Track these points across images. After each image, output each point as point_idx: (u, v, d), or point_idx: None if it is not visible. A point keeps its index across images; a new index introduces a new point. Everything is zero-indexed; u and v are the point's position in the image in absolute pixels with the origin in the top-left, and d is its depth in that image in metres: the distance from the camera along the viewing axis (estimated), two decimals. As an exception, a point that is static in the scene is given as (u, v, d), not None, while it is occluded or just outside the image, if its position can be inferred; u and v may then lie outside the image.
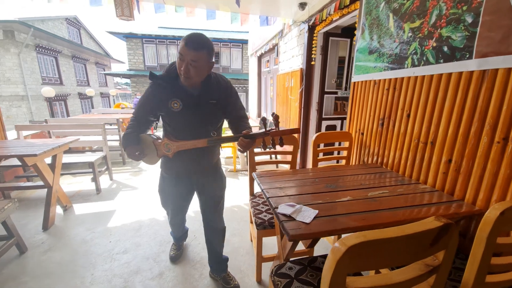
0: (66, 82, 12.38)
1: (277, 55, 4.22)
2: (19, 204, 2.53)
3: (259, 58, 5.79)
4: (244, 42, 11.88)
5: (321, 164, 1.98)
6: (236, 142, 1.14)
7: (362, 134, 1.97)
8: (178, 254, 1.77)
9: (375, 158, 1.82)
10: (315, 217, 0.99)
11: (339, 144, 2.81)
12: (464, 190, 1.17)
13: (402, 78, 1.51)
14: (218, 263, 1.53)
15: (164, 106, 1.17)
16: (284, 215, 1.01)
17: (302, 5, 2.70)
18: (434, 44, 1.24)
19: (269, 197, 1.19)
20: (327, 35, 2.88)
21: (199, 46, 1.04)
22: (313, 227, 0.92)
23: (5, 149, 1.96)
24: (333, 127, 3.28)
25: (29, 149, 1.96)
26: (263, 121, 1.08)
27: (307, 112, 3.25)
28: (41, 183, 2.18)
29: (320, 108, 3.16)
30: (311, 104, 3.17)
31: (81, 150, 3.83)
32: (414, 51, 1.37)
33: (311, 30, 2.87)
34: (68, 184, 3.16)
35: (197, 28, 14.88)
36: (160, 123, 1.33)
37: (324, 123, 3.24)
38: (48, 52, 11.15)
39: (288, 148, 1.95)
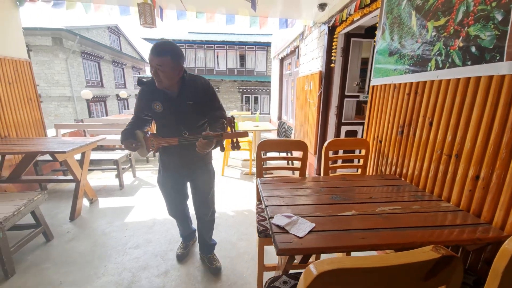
0: (106, 85, 13.59)
1: (298, 58, 4.13)
2: (54, 195, 2.83)
3: (281, 61, 5.74)
4: (269, 44, 11.91)
5: (339, 172, 1.88)
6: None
7: (380, 142, 1.82)
8: (185, 254, 1.81)
9: (393, 169, 1.67)
10: (310, 231, 0.93)
11: (360, 152, 2.64)
12: (492, 212, 1.01)
13: (425, 82, 1.36)
14: (205, 246, 1.73)
15: (149, 108, 1.35)
16: (277, 226, 0.97)
17: (322, 6, 2.60)
18: (461, 44, 1.09)
19: (266, 206, 1.15)
20: (348, 36, 2.74)
21: (162, 52, 1.16)
22: (305, 242, 0.87)
23: (41, 146, 2.20)
24: (353, 133, 3.10)
25: (61, 146, 2.17)
26: (229, 122, 1.18)
27: (325, 116, 3.12)
28: (70, 177, 2.39)
29: (340, 112, 3.01)
30: (330, 108, 3.04)
31: (111, 148, 4.15)
32: (438, 52, 1.23)
33: (331, 31, 2.75)
34: (98, 178, 3.44)
35: (224, 32, 15.28)
36: None
37: (344, 128, 3.08)
38: (92, 57, 12.36)
39: (298, 154, 1.88)
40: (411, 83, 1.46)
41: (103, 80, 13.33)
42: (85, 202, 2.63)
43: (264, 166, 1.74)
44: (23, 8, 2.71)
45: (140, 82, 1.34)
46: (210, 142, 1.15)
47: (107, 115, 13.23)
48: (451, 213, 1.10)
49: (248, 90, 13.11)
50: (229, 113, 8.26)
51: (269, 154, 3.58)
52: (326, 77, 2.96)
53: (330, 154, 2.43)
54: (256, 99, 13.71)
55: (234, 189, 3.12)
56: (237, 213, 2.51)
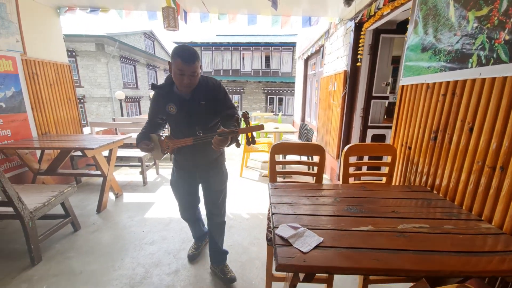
0: (141, 86, 14.59)
1: (322, 57, 3.96)
2: (87, 188, 3.07)
3: (306, 61, 5.57)
4: (295, 45, 11.72)
5: (364, 180, 1.73)
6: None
7: (409, 148, 1.63)
8: (196, 254, 1.81)
9: (423, 179, 1.48)
10: (317, 246, 0.84)
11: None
12: (550, 241, 0.82)
13: (464, 81, 1.17)
14: (217, 254, 1.66)
15: (163, 110, 1.36)
16: (281, 237, 0.89)
17: (348, 1, 2.44)
18: (507, 37, 0.91)
19: (273, 213, 1.08)
20: (377, 32, 2.53)
21: (193, 59, 1.18)
22: (309, 258, 0.78)
23: (74, 142, 2.39)
24: (381, 137, 2.86)
25: (91, 143, 2.34)
26: (244, 117, 1.20)
27: (349, 118, 2.93)
28: (99, 172, 2.57)
29: (366, 115, 2.79)
30: (355, 110, 2.84)
31: (138, 146, 4.39)
32: (480, 46, 1.05)
33: (358, 27, 2.56)
34: (125, 174, 3.66)
35: (250, 34, 15.42)
36: None
37: (370, 132, 2.86)
38: (129, 61, 13.36)
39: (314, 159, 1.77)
40: (448, 83, 1.27)
41: (138, 82, 14.33)
42: (112, 196, 2.80)
43: (282, 170, 1.67)
44: (64, 17, 2.99)
45: (154, 86, 1.36)
46: (226, 139, 1.14)
47: (140, 114, 14.20)
48: (491, 236, 0.92)
49: (273, 91, 13.03)
50: (251, 114, 8.27)
51: (289, 158, 3.47)
52: (352, 76, 2.78)
53: (354, 160, 2.26)
54: (280, 100, 13.58)
55: (251, 191, 3.08)
56: (251, 216, 2.46)
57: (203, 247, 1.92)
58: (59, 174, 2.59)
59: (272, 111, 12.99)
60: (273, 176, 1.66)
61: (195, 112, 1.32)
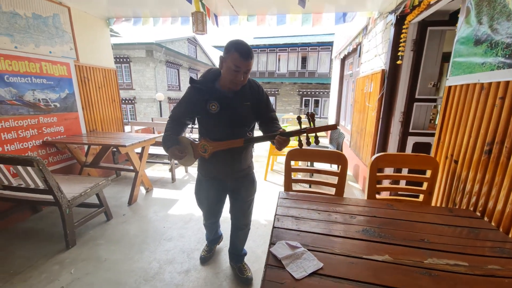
0: (183, 89, 15.68)
1: (359, 56, 3.64)
2: (124, 181, 3.37)
3: (342, 61, 5.22)
4: (333, 44, 11.16)
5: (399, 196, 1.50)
6: (272, 141, 1.16)
7: (456, 162, 1.35)
8: (208, 257, 1.81)
9: (472, 201, 1.20)
10: (313, 273, 0.73)
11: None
12: None
13: (533, 80, 0.91)
14: (237, 255, 1.68)
15: (202, 109, 1.23)
16: (275, 257, 0.80)
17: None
18: None
19: (275, 227, 0.99)
20: (423, 25, 2.19)
21: (250, 56, 1.12)
22: (300, 287, 0.67)
23: (113, 139, 2.64)
24: (425, 146, 2.47)
25: (126, 141, 2.55)
26: (298, 119, 1.10)
27: (386, 123, 2.61)
28: (131, 167, 2.78)
29: (407, 120, 2.45)
30: (394, 114, 2.51)
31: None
32: (558, 33, 0.79)
33: (400, 21, 2.26)
34: (158, 170, 3.92)
35: (286, 35, 15.24)
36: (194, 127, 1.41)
37: (412, 140, 2.49)
38: (174, 65, 14.49)
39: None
40: (507, 83, 1.00)
41: (181, 85, 15.43)
42: (142, 190, 3.01)
43: (301, 178, 1.56)
44: (122, 28, 3.34)
45: (192, 80, 1.24)
46: (288, 139, 1.12)
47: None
48: None
49: (309, 92, 12.62)
50: (283, 115, 8.08)
51: (317, 165, 3.25)
52: (390, 76, 2.47)
53: (389, 171, 2.02)
54: (316, 102, 13.07)
55: (273, 196, 2.98)
56: (269, 222, 2.37)
57: (216, 249, 1.91)
58: (100, 167, 2.89)
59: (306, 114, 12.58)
60: (287, 184, 1.55)
61: (239, 112, 1.23)
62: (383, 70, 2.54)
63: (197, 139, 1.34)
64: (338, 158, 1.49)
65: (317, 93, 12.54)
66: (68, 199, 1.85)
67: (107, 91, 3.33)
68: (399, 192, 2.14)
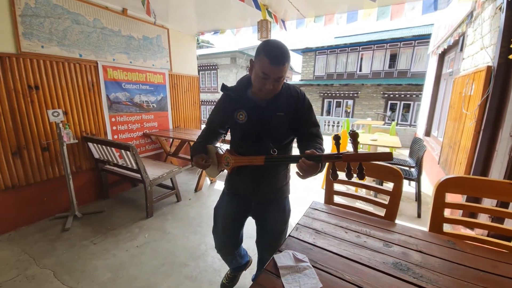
0: (259, 91, 16.69)
1: (461, 50, 2.88)
2: (196, 171, 3.95)
3: (441, 56, 4.23)
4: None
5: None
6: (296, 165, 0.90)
7: None
8: (229, 287, 1.53)
9: None
10: (308, 292, 0.68)
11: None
12: None
13: None
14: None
15: (230, 117, 1.12)
16: (275, 264, 0.80)
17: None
18: None
19: (290, 235, 0.97)
20: None
21: (284, 60, 0.93)
22: (285, 300, 0.65)
23: (188, 135, 3.16)
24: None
25: (197, 137, 3.00)
26: (336, 139, 0.82)
27: (490, 138, 1.97)
28: (200, 160, 3.24)
29: (525, 135, 1.78)
30: (502, 126, 1.87)
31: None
32: None
33: (520, 0, 1.67)
34: (196, 174, 4.36)
35: (371, 32, 13.61)
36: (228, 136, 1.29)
37: (533, 162, 1.79)
38: (253, 70, 15.62)
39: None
40: None
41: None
42: (207, 181, 3.45)
43: (351, 192, 1.43)
44: (214, 39, 3.96)
45: (224, 87, 1.13)
46: (317, 165, 0.86)
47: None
48: None
49: (396, 95, 10.84)
50: (355, 121, 7.16)
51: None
52: (499, 75, 1.85)
53: (463, 199, 1.62)
54: (407, 106, 11.07)
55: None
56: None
57: (240, 276, 1.60)
58: (179, 157, 3.51)
59: (387, 118, 10.86)
60: (328, 195, 1.45)
61: (269, 124, 1.06)
62: (488, 67, 1.93)
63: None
64: (392, 174, 1.27)
65: (408, 95, 10.62)
66: (150, 179, 2.36)
67: (190, 95, 3.99)
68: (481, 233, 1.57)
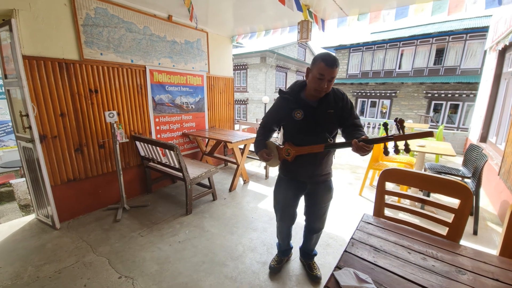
0: (288, 91, 16.47)
1: (535, 45, 2.48)
2: (231, 171, 4.03)
3: (501, 53, 3.71)
4: (487, 30, 8.06)
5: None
6: (351, 148, 1.18)
7: None
8: (277, 269, 1.76)
9: None
10: (378, 317, 0.64)
11: None
12: None
13: None
14: (307, 254, 1.78)
15: (288, 116, 1.38)
16: (337, 282, 0.77)
17: None
18: None
19: (346, 251, 0.93)
20: None
21: (335, 64, 1.20)
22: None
23: (223, 135, 3.23)
24: None
25: (232, 138, 3.06)
26: (384, 126, 1.10)
27: None
28: (235, 160, 3.30)
29: None
30: None
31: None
32: None
33: None
34: (257, 166, 4.39)
35: (414, 25, 12.50)
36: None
37: None
38: (282, 69, 15.46)
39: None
40: None
41: (286, 87, 16.28)
42: (241, 181, 3.50)
43: (405, 205, 1.35)
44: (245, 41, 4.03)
45: (281, 91, 1.41)
46: (370, 146, 1.13)
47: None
48: None
49: (442, 95, 9.83)
50: (393, 124, 6.68)
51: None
52: None
53: None
54: (454, 107, 10.00)
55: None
56: (342, 240, 2.13)
57: (285, 262, 1.85)
58: (214, 156, 3.62)
59: (431, 120, 9.90)
60: (378, 207, 1.37)
61: (323, 120, 1.33)
62: None
63: (280, 144, 1.51)
64: (456, 189, 1.15)
65: (456, 95, 9.57)
66: (190, 178, 2.47)
67: (225, 96, 4.08)
68: None
